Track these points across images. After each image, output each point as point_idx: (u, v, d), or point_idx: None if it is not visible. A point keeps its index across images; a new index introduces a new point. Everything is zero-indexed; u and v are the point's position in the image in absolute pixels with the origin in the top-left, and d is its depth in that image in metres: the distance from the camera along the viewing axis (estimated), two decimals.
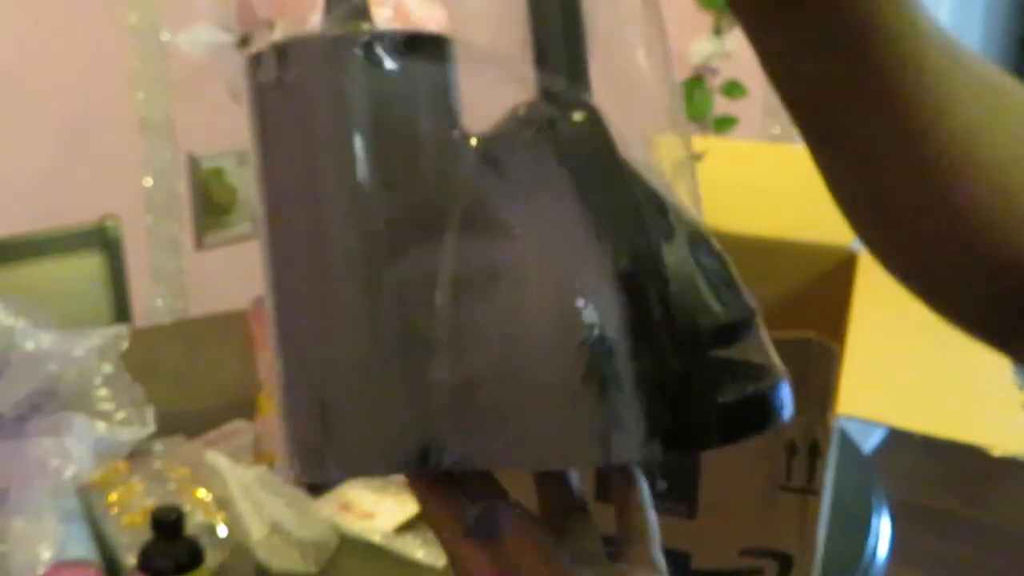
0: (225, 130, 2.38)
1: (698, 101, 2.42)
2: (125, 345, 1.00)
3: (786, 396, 0.35)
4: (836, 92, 0.32)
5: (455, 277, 0.32)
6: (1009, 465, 2.57)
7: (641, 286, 0.31)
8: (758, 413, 0.34)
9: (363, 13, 0.35)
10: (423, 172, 0.32)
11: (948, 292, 0.37)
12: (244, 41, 1.09)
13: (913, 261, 0.37)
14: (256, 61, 0.34)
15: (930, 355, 0.61)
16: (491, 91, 0.34)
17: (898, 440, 2.74)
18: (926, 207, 0.33)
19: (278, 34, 1.05)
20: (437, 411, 0.32)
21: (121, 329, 0.99)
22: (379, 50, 0.32)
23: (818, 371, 0.55)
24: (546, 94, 0.33)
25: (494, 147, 0.33)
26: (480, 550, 0.36)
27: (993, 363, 0.57)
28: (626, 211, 0.32)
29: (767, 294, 0.93)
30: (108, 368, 1.00)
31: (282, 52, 0.33)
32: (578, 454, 0.32)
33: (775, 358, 0.35)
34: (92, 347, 0.95)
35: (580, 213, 0.32)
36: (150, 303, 2.24)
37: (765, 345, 0.35)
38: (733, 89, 2.37)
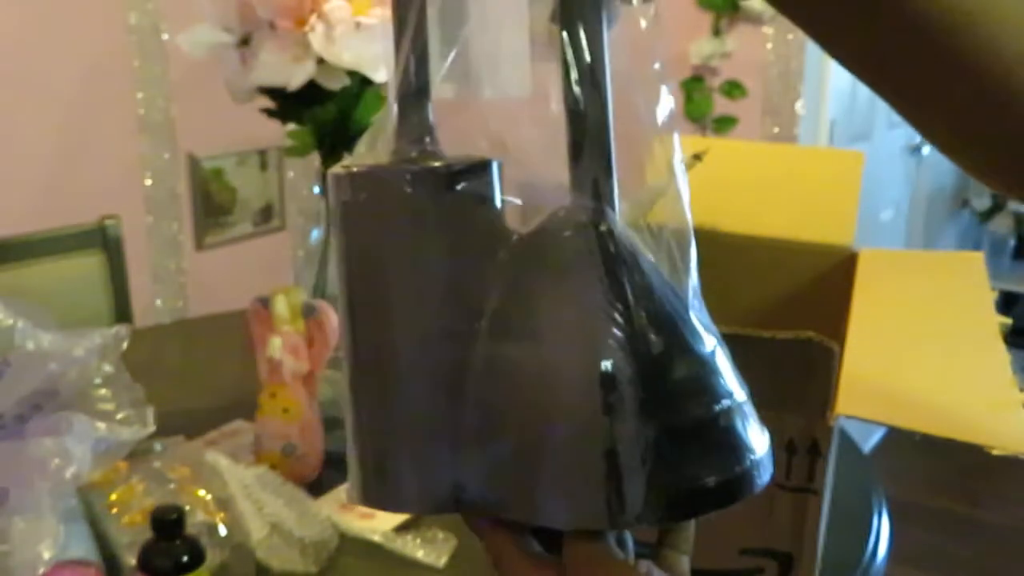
0: (225, 130, 2.39)
1: (698, 101, 2.42)
2: (125, 345, 1.00)
3: (767, 467, 0.40)
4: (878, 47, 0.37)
5: (491, 356, 0.39)
6: (1009, 465, 2.57)
7: (653, 375, 0.37)
8: (742, 486, 0.38)
9: (430, 133, 0.42)
10: (471, 272, 0.40)
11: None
12: (244, 41, 1.09)
13: (992, 162, 0.41)
14: (337, 181, 0.41)
15: (930, 355, 0.61)
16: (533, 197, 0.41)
17: (898, 440, 2.74)
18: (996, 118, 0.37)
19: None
20: (468, 468, 0.39)
21: (121, 329, 0.99)
22: (437, 180, 0.39)
23: (818, 371, 0.55)
24: (578, 206, 0.39)
25: (534, 242, 0.40)
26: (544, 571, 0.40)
27: (993, 363, 0.57)
28: (643, 308, 0.38)
29: (767, 294, 0.93)
30: (108, 368, 1.00)
31: (356, 180, 0.41)
32: (586, 518, 0.37)
33: (759, 433, 0.40)
34: (92, 347, 0.95)
35: (604, 305, 0.37)
36: (150, 303, 2.24)
37: (753, 421, 0.40)
38: (733, 89, 2.38)
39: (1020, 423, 0.49)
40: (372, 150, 0.43)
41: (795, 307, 0.86)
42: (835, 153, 1.65)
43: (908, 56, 0.37)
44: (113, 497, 0.93)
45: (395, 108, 0.42)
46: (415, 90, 0.42)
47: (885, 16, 0.35)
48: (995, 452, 0.46)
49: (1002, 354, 0.58)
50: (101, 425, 0.91)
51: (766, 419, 0.60)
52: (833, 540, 0.70)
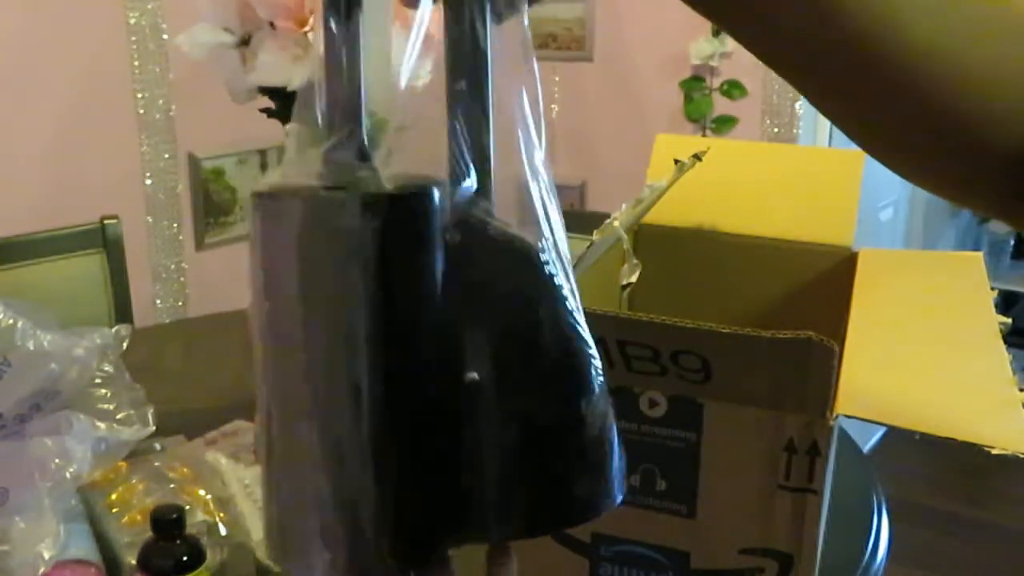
0: (225, 130, 2.39)
1: (698, 101, 2.42)
2: (125, 345, 1.00)
3: (618, 492, 0.39)
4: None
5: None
6: (1008, 464, 2.57)
7: (514, 390, 0.36)
8: (589, 506, 0.38)
9: (362, 145, 0.39)
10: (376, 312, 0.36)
11: (954, 174, 0.42)
12: (244, 41, 1.09)
13: (910, 157, 0.42)
14: (260, 203, 0.38)
15: (929, 354, 0.61)
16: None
17: (898, 440, 2.74)
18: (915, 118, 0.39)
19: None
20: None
21: (121, 329, 0.99)
22: (365, 210, 0.36)
23: (818, 371, 0.55)
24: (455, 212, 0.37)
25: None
26: None
27: (993, 363, 0.57)
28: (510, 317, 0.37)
29: (767, 294, 0.93)
30: (108, 368, 1.00)
31: (276, 202, 0.38)
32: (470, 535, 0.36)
33: (619, 456, 0.39)
34: (92, 347, 0.95)
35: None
36: (150, 303, 2.24)
37: (616, 441, 0.39)
38: (733, 89, 2.37)
39: (1020, 423, 0.49)
40: (301, 156, 0.39)
41: (795, 307, 0.87)
42: (835, 153, 1.65)
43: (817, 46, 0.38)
44: (113, 497, 0.93)
45: (323, 112, 0.39)
46: (348, 95, 0.39)
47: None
48: (995, 452, 0.46)
49: (1002, 354, 0.58)
50: (101, 425, 0.91)
51: (766, 419, 0.60)
52: (833, 540, 0.70)
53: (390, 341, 0.36)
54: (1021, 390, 0.52)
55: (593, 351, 0.39)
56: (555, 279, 0.38)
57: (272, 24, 1.06)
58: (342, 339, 0.36)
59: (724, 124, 2.40)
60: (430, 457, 0.36)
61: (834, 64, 0.38)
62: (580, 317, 0.39)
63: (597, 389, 0.39)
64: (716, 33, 2.36)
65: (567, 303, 0.38)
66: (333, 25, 0.39)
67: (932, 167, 0.42)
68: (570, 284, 0.38)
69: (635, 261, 0.82)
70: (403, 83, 0.38)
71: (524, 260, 0.37)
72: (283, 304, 0.37)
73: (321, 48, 0.40)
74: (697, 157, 0.83)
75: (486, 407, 0.36)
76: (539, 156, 0.39)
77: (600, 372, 0.39)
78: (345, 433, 0.36)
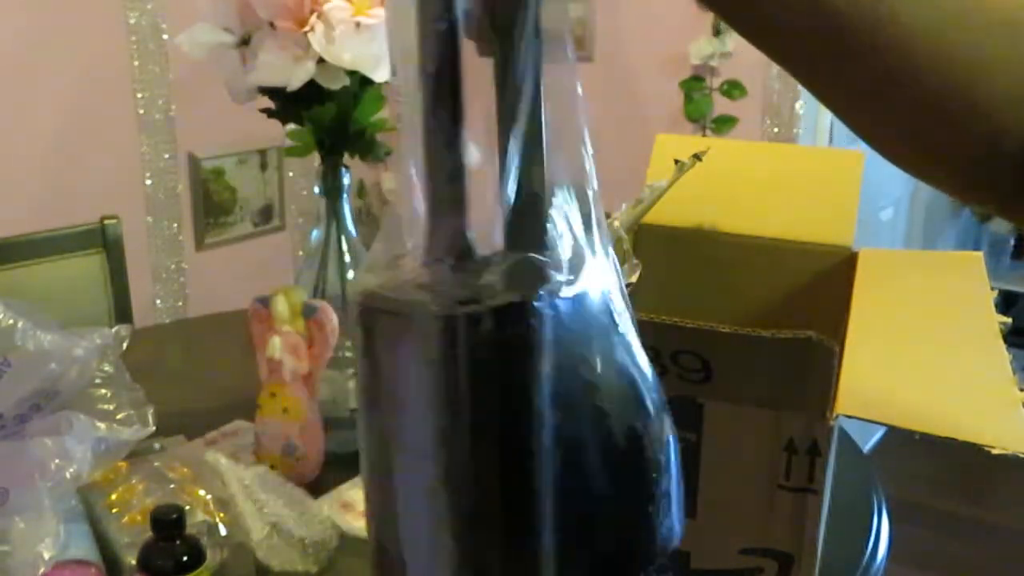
0: (225, 130, 2.39)
1: (698, 101, 2.42)
2: (125, 345, 1.00)
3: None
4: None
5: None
6: (1009, 464, 2.57)
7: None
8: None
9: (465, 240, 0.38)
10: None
11: (953, 166, 0.42)
12: (244, 41, 1.09)
13: (906, 144, 0.43)
14: (360, 311, 0.38)
15: (929, 354, 0.61)
16: None
17: (898, 440, 2.74)
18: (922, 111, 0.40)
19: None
20: None
21: (121, 329, 0.99)
22: (469, 325, 0.35)
23: (818, 371, 0.55)
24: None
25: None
26: None
27: (993, 363, 0.57)
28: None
29: (767, 294, 0.93)
30: (108, 368, 1.00)
31: (377, 314, 0.37)
32: None
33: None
34: (92, 347, 0.95)
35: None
36: (150, 303, 2.24)
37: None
38: (733, 89, 2.37)
39: (1020, 423, 0.49)
40: (387, 242, 0.38)
41: (795, 307, 0.87)
42: (835, 153, 1.65)
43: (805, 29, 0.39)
44: (113, 497, 0.93)
45: (422, 206, 0.37)
46: (451, 187, 0.37)
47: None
48: (995, 452, 0.46)
49: (1002, 354, 0.58)
50: (101, 425, 0.91)
51: (766, 419, 0.60)
52: (833, 540, 0.70)
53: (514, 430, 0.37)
54: (1021, 390, 0.52)
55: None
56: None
57: (272, 24, 1.06)
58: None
59: (724, 124, 2.40)
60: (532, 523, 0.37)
61: (822, 47, 0.39)
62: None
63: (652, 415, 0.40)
64: (716, 33, 2.36)
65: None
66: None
67: (915, 153, 0.42)
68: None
69: (635, 261, 0.82)
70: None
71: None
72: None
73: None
74: (697, 157, 0.83)
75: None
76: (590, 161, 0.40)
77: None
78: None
